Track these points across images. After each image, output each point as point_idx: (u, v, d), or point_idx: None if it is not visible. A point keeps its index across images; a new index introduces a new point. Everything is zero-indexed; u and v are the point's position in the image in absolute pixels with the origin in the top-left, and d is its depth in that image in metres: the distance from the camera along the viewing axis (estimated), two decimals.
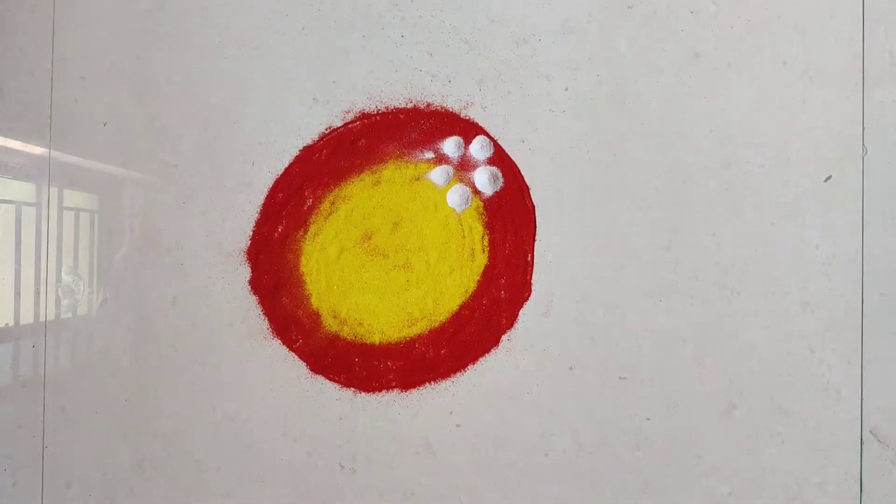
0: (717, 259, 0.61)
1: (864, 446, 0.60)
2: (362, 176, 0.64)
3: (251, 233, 0.65)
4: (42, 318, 0.68)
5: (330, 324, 0.65)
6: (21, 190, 0.68)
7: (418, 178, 0.64)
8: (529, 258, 0.63)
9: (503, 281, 0.64)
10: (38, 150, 0.67)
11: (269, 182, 0.65)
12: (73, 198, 0.68)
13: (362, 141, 0.64)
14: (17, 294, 0.68)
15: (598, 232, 0.63)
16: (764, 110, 0.61)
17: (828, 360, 0.60)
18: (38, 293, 0.68)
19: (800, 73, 0.60)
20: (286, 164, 0.65)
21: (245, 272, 0.66)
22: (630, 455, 0.62)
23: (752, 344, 0.61)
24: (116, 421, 0.67)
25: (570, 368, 0.63)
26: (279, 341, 0.65)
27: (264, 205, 0.65)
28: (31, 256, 0.68)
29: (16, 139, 0.67)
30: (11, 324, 0.68)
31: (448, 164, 0.64)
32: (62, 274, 0.68)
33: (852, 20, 0.60)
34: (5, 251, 0.69)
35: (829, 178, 0.60)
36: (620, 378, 0.62)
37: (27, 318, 0.68)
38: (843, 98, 0.60)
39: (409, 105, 0.64)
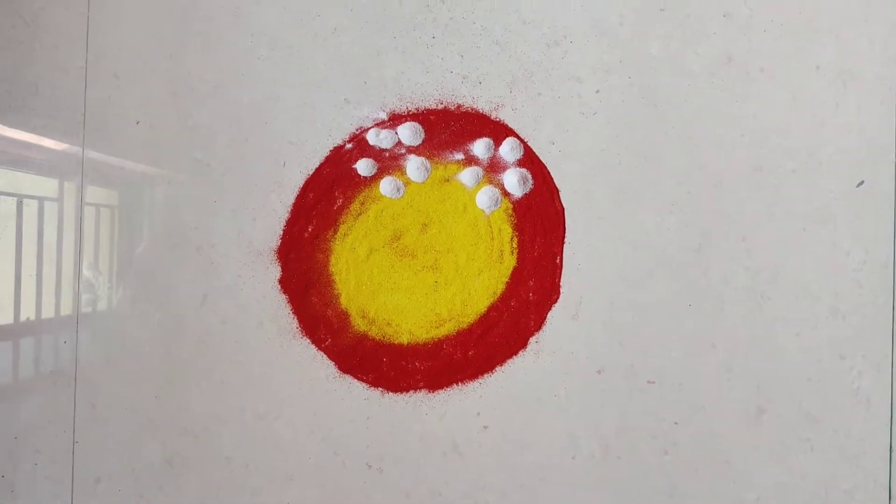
0: (747, 264, 0.63)
1: (893, 454, 0.62)
2: (392, 176, 0.66)
3: (281, 232, 0.68)
4: (74, 314, 0.70)
5: (358, 324, 0.67)
6: (55, 187, 0.70)
7: (448, 180, 0.66)
8: (558, 261, 0.65)
9: (532, 283, 0.66)
10: (72, 147, 0.70)
11: (300, 182, 0.67)
12: (107, 195, 0.70)
13: None
14: (58, 289, 0.71)
15: (627, 235, 0.64)
16: (796, 114, 0.63)
17: (858, 366, 0.62)
18: (72, 289, 0.71)
19: (833, 78, 0.62)
20: (317, 164, 0.67)
21: (275, 271, 0.68)
22: (658, 460, 0.64)
23: (781, 350, 0.63)
24: (146, 417, 0.69)
25: (599, 372, 0.65)
26: (308, 340, 0.68)
27: (295, 204, 0.67)
28: (70, 252, 0.71)
29: (50, 137, 0.70)
30: (52, 316, 0.71)
31: (478, 165, 0.66)
32: (97, 270, 0.70)
33: (887, 24, 0.62)
34: (45, 247, 0.71)
35: (861, 183, 0.62)
36: (649, 382, 0.64)
37: (60, 312, 0.71)
38: (877, 102, 0.62)
39: (440, 106, 0.66)
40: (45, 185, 0.71)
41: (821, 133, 0.62)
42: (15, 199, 0.71)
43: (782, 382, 0.63)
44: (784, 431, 0.63)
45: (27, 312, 0.71)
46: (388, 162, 0.67)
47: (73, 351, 0.70)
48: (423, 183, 0.66)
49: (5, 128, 0.70)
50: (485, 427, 0.66)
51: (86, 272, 0.70)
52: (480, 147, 0.66)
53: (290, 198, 0.68)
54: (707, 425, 0.64)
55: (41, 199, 0.71)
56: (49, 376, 0.70)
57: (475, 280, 0.66)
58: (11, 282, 0.71)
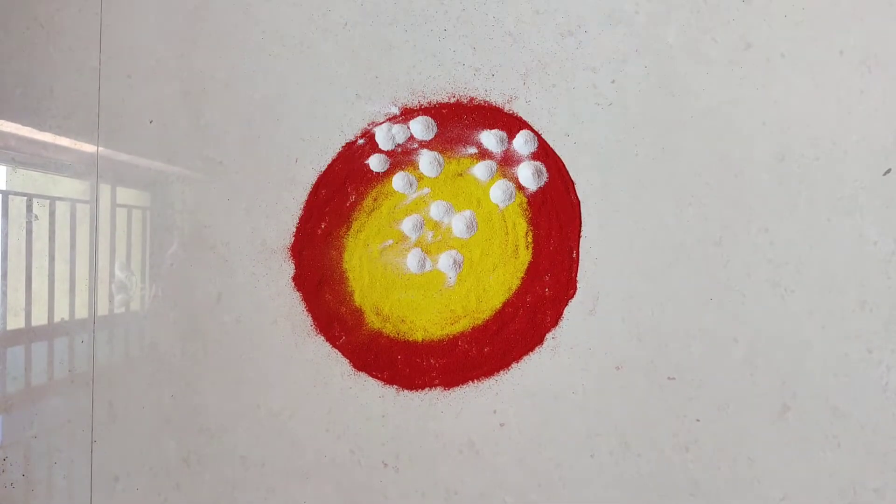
0: (770, 256, 0.64)
1: None
2: (405, 172, 0.68)
3: (294, 229, 0.70)
4: (91, 315, 0.74)
5: (373, 321, 0.69)
6: (69, 187, 0.74)
7: (461, 174, 0.68)
8: (574, 255, 0.67)
9: (548, 278, 0.67)
10: (86, 147, 0.73)
11: (313, 178, 0.70)
12: (121, 195, 0.73)
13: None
14: (71, 289, 0.74)
15: (645, 228, 0.66)
16: (819, 102, 0.63)
17: (886, 360, 0.62)
18: (88, 289, 0.74)
19: (857, 63, 0.62)
20: (329, 161, 0.69)
21: (289, 269, 0.70)
22: (679, 457, 0.65)
23: (806, 344, 0.63)
24: (163, 416, 0.72)
25: (617, 368, 0.66)
26: (322, 338, 0.70)
27: (307, 201, 0.70)
28: (85, 252, 0.74)
29: (66, 137, 0.73)
30: (66, 319, 0.74)
31: (491, 159, 0.67)
32: (115, 270, 0.73)
33: None
34: (58, 247, 0.75)
35: (888, 171, 0.62)
36: (669, 378, 0.65)
37: (77, 314, 0.74)
38: None
39: (452, 100, 0.68)
40: (60, 186, 0.74)
41: (845, 120, 0.63)
42: (26, 198, 0.75)
43: (808, 378, 0.63)
44: (810, 428, 0.63)
45: (42, 314, 0.75)
46: (401, 157, 0.68)
47: (91, 351, 0.73)
48: (436, 178, 0.68)
49: (21, 128, 0.73)
50: (501, 425, 0.68)
51: (117, 273, 0.73)
52: (494, 140, 0.67)
53: (302, 195, 0.70)
54: (730, 422, 0.64)
55: (53, 199, 0.74)
56: (67, 376, 0.74)
57: (490, 276, 0.68)
58: (25, 283, 0.75)
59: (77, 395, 0.73)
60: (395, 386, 0.69)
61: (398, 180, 0.68)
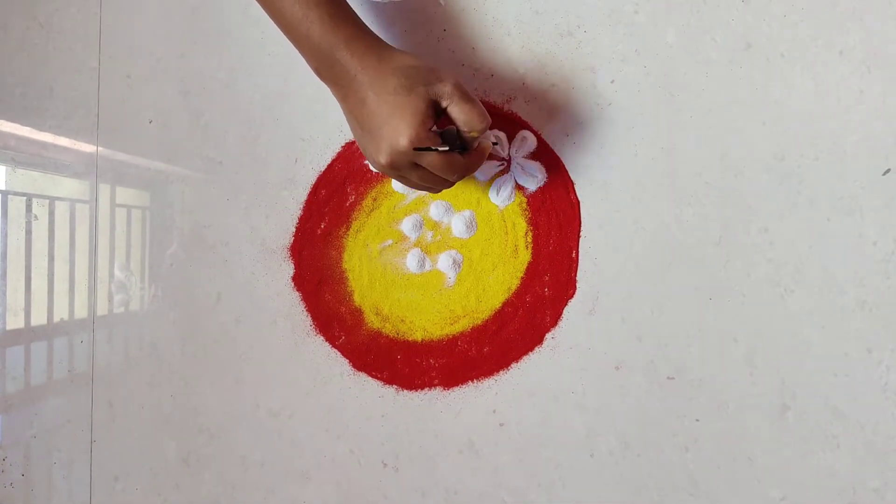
0: (769, 256, 0.64)
1: None
2: None
3: (294, 229, 0.70)
4: (90, 314, 0.74)
5: (372, 321, 0.69)
6: (68, 187, 0.74)
7: None
8: (574, 255, 0.67)
9: (547, 278, 0.67)
10: (86, 147, 0.73)
11: (312, 178, 0.70)
12: (121, 195, 0.74)
13: None
14: (71, 289, 0.74)
15: (645, 228, 0.66)
16: (819, 102, 0.63)
17: (886, 360, 0.62)
18: (87, 289, 0.74)
19: (857, 63, 0.63)
20: (329, 161, 0.70)
21: (288, 269, 0.71)
22: (678, 457, 0.66)
23: (806, 343, 0.64)
24: (162, 416, 0.72)
25: (617, 368, 0.66)
26: (322, 338, 0.70)
27: (307, 201, 0.70)
28: (84, 252, 0.74)
29: (65, 137, 0.73)
30: (65, 319, 0.75)
31: (491, 159, 0.68)
32: (115, 270, 0.74)
33: None
34: (57, 247, 0.75)
35: (887, 171, 0.62)
36: (668, 378, 0.66)
37: (77, 314, 0.74)
38: None
39: None
40: (59, 186, 0.74)
41: (845, 120, 0.63)
42: (26, 198, 0.75)
43: (807, 377, 0.64)
44: (809, 428, 0.64)
45: (41, 314, 0.75)
46: None
47: (90, 351, 0.73)
48: None
49: (21, 128, 0.74)
50: (501, 424, 0.68)
51: (117, 273, 0.74)
52: (493, 140, 0.67)
53: (302, 195, 0.70)
54: (729, 422, 0.65)
55: (53, 199, 0.75)
56: (66, 376, 0.74)
57: (489, 275, 0.68)
58: (24, 283, 0.75)
59: (76, 395, 0.74)
60: (395, 386, 0.69)
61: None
